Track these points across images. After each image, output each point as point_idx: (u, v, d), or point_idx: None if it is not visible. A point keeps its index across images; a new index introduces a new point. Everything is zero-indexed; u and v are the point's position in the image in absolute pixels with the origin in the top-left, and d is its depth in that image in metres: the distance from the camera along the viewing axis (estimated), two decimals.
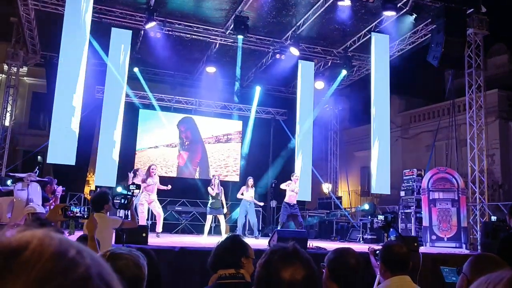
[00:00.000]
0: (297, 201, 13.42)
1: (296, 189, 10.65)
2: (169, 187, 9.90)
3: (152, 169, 9.84)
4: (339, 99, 17.68)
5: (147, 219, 12.95)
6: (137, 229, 7.04)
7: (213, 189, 10.31)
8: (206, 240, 9.56)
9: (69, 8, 10.29)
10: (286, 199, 10.57)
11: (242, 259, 2.40)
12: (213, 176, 11.09)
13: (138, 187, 7.08)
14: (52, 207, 7.43)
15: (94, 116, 13.30)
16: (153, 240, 7.29)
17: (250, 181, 11.04)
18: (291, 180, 10.72)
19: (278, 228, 10.04)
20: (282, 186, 10.77)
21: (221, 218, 10.40)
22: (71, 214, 3.38)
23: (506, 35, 16.30)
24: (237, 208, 13.91)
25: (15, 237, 0.48)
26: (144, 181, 9.45)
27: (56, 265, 0.46)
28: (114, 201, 5.27)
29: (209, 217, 10.43)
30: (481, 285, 0.79)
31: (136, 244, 5.52)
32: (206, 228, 10.43)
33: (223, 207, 10.50)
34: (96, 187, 12.79)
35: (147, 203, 9.57)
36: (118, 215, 7.46)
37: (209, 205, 10.44)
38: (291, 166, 13.69)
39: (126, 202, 4.90)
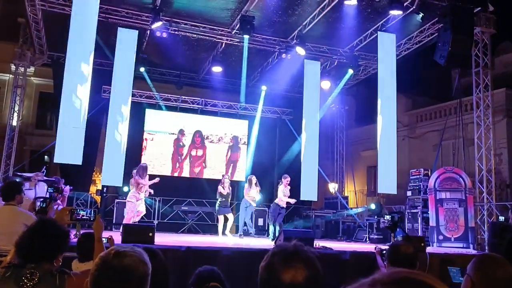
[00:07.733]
0: (304, 200, 13.33)
1: (287, 193, 10.35)
2: (157, 179, 9.64)
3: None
4: (345, 99, 17.64)
5: (153, 219, 13.04)
6: (144, 228, 7.06)
7: (224, 189, 10.37)
8: (222, 240, 9.63)
9: (76, 9, 10.33)
10: (277, 201, 10.35)
11: None
12: (223, 176, 11.01)
13: (57, 190, 7.13)
14: (60, 207, 7.47)
15: (101, 115, 13.36)
16: (160, 239, 7.31)
17: (253, 178, 10.86)
18: (282, 183, 10.38)
19: (284, 227, 10.02)
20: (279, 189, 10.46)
21: (230, 216, 10.51)
22: (78, 217, 3.40)
23: None
24: None
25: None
26: (138, 181, 9.30)
27: None
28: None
29: (221, 217, 10.44)
30: None
31: (143, 243, 5.53)
32: (220, 227, 10.45)
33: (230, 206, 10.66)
34: (103, 186, 12.86)
35: (136, 200, 9.33)
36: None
37: (219, 205, 10.42)
38: (297, 165, 13.66)
39: (45, 206, 4.80)
